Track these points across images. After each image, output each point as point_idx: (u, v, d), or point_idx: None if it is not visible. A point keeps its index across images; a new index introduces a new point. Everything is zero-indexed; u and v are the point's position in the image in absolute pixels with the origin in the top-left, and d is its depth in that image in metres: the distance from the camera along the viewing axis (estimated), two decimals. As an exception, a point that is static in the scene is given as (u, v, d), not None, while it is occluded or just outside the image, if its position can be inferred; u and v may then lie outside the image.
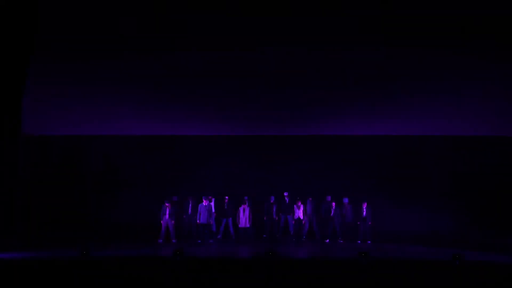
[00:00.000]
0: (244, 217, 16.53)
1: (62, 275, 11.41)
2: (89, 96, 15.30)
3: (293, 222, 16.85)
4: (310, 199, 16.89)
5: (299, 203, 16.69)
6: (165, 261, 12.79)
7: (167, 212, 15.99)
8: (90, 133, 16.43)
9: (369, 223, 16.17)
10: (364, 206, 16.19)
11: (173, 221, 16.06)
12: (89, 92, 15.23)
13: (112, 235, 16.05)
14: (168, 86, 15.88)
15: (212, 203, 16.61)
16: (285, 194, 17.06)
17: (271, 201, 17.08)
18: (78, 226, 15.98)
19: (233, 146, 17.35)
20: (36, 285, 11.07)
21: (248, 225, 16.59)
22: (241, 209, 16.59)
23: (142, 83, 15.44)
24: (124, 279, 11.30)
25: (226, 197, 16.81)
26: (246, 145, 17.50)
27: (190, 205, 16.47)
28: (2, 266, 12.01)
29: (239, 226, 16.61)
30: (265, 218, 17.07)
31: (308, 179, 17.11)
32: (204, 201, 16.06)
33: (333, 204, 16.57)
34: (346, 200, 16.61)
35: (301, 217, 16.75)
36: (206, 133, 17.23)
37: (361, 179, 16.88)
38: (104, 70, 15.11)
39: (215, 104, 16.81)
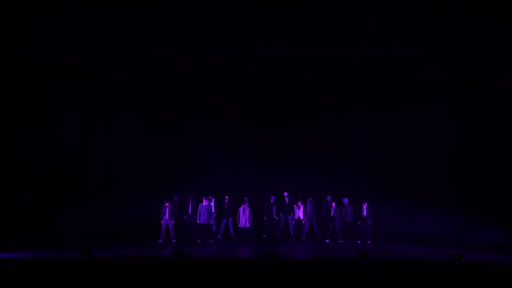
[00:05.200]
0: (244, 217, 16.53)
1: (62, 275, 11.41)
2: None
3: (293, 222, 16.86)
4: (310, 199, 16.89)
5: (299, 203, 16.69)
6: (165, 261, 12.79)
7: (167, 212, 15.98)
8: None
9: (369, 223, 16.17)
10: (364, 206, 16.18)
11: (173, 221, 16.05)
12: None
13: (112, 235, 16.03)
14: None
15: (212, 203, 16.61)
16: (285, 194, 17.06)
17: (271, 201, 17.08)
18: (78, 226, 15.97)
19: (233, 146, 17.34)
20: (36, 285, 11.09)
21: (248, 225, 16.59)
22: (241, 209, 16.59)
23: None
24: (124, 279, 11.32)
25: (226, 197, 16.80)
26: (247, 145, 17.51)
27: (190, 205, 16.47)
28: (2, 266, 12.02)
29: (239, 226, 16.61)
30: (265, 218, 17.07)
31: (308, 179, 17.09)
32: (204, 201, 16.05)
33: (333, 204, 16.56)
34: (346, 200, 16.61)
35: (301, 217, 16.75)
36: (207, 132, 17.31)
37: (361, 179, 16.85)
38: None
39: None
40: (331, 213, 16.51)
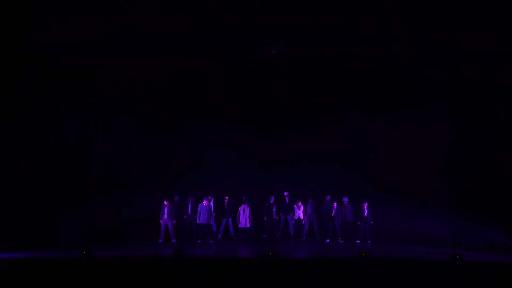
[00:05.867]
0: (244, 217, 16.53)
1: (62, 275, 11.41)
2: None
3: (293, 222, 16.85)
4: (310, 200, 16.88)
5: (299, 203, 16.69)
6: (165, 261, 12.79)
7: (166, 212, 15.97)
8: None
9: (371, 223, 16.17)
10: (365, 206, 16.18)
11: (174, 221, 16.04)
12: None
13: (112, 235, 16.03)
14: None
15: (212, 203, 16.61)
16: (285, 194, 17.06)
17: (271, 201, 17.08)
18: (78, 226, 15.96)
19: (233, 146, 17.34)
20: (36, 285, 11.08)
21: (248, 225, 16.59)
22: (241, 209, 16.59)
23: None
24: (124, 279, 11.32)
25: (226, 197, 16.80)
26: (247, 145, 17.50)
27: (190, 205, 16.46)
28: (2, 266, 12.01)
29: (239, 226, 16.61)
30: (265, 218, 17.08)
31: (308, 179, 17.08)
32: (204, 201, 16.04)
33: (335, 204, 16.55)
34: (345, 199, 16.61)
35: (301, 217, 16.74)
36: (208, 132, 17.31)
37: (361, 179, 16.84)
38: None
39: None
40: (332, 213, 16.51)
